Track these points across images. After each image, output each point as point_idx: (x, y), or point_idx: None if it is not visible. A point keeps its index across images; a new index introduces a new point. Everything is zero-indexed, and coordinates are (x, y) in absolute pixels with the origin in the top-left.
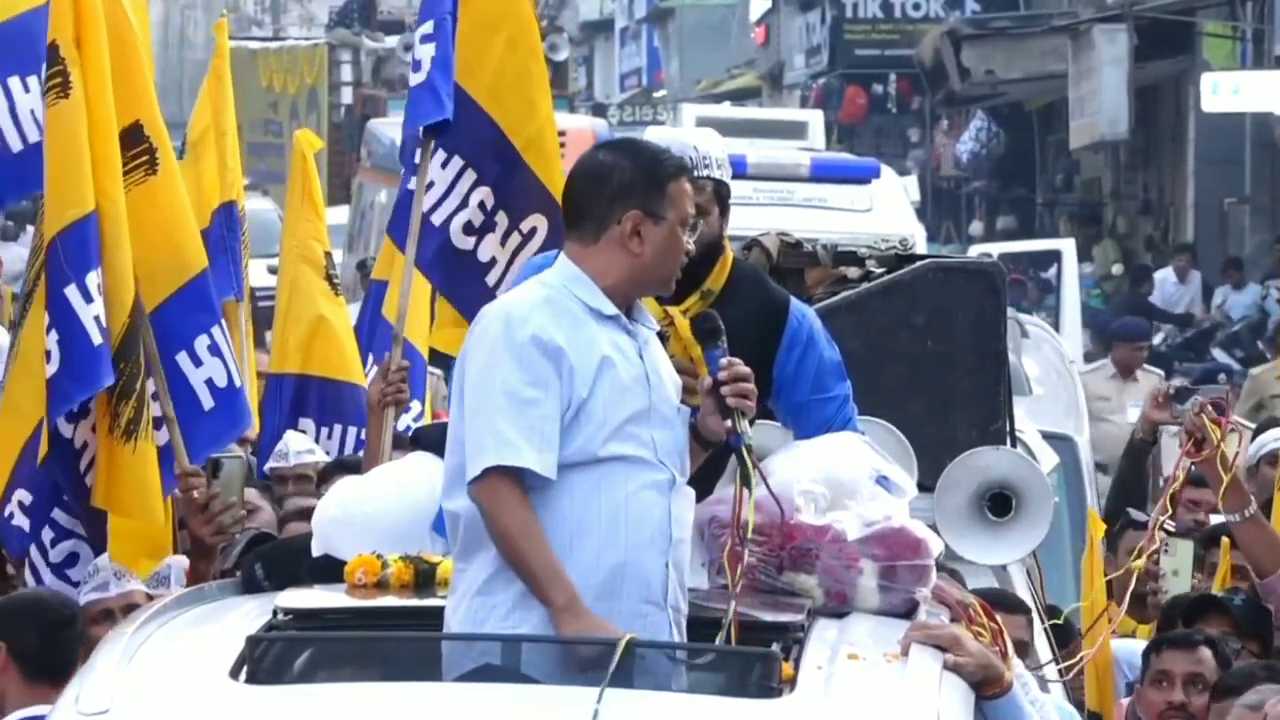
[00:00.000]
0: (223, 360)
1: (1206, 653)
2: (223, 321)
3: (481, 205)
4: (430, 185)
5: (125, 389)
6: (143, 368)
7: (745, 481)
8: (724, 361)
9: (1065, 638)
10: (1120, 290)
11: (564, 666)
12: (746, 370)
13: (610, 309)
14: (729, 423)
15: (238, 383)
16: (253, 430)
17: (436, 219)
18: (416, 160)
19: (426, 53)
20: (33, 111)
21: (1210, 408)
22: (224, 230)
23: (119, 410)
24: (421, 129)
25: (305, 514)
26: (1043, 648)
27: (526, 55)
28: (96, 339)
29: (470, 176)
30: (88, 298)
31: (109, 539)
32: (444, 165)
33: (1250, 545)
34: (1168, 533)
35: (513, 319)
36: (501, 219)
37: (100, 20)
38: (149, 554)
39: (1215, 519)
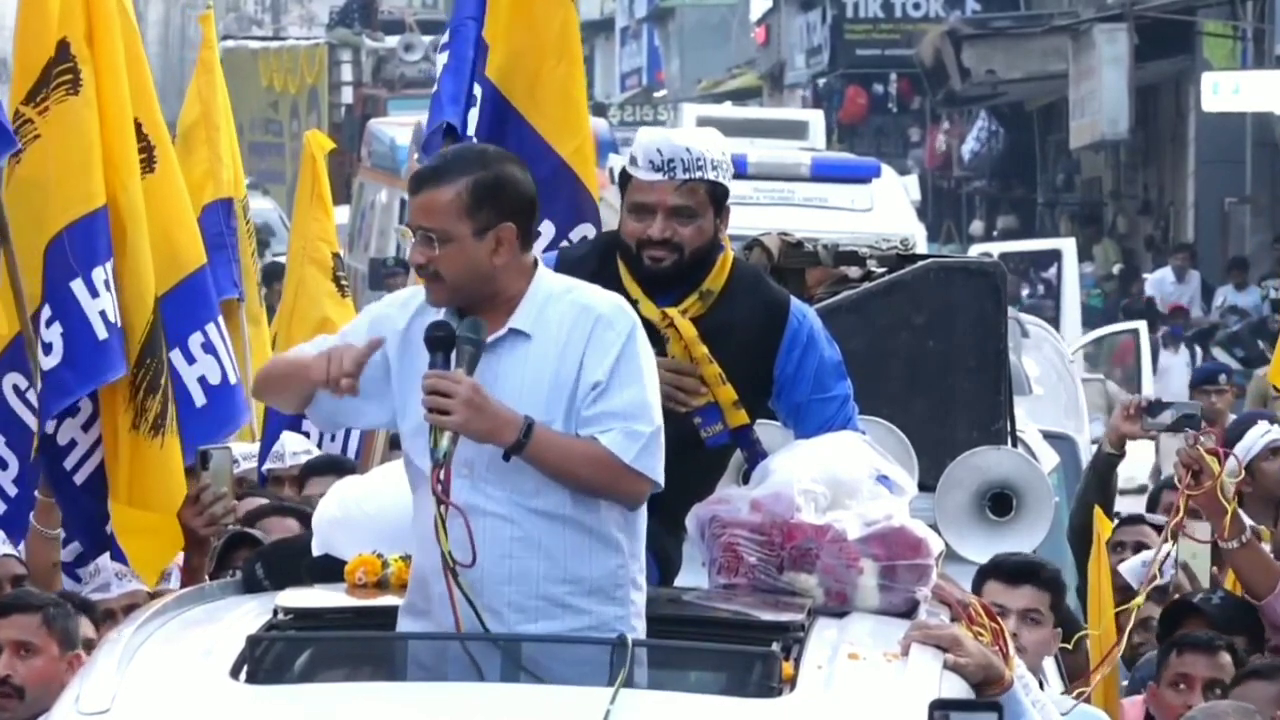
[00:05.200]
0: (216, 357)
1: (1227, 658)
2: (220, 319)
3: None
4: None
5: (151, 384)
6: (166, 363)
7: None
8: (424, 375)
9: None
10: (1115, 291)
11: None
12: (429, 384)
13: (435, 318)
14: (428, 439)
15: (233, 379)
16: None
17: None
18: None
19: (441, 60)
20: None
21: (1203, 438)
22: (222, 227)
23: (145, 406)
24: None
25: None
26: (1050, 668)
27: (570, 64)
28: (101, 333)
29: None
30: (94, 292)
31: (125, 550)
32: None
33: (1245, 570)
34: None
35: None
36: (547, 228)
37: (114, 16)
38: (169, 554)
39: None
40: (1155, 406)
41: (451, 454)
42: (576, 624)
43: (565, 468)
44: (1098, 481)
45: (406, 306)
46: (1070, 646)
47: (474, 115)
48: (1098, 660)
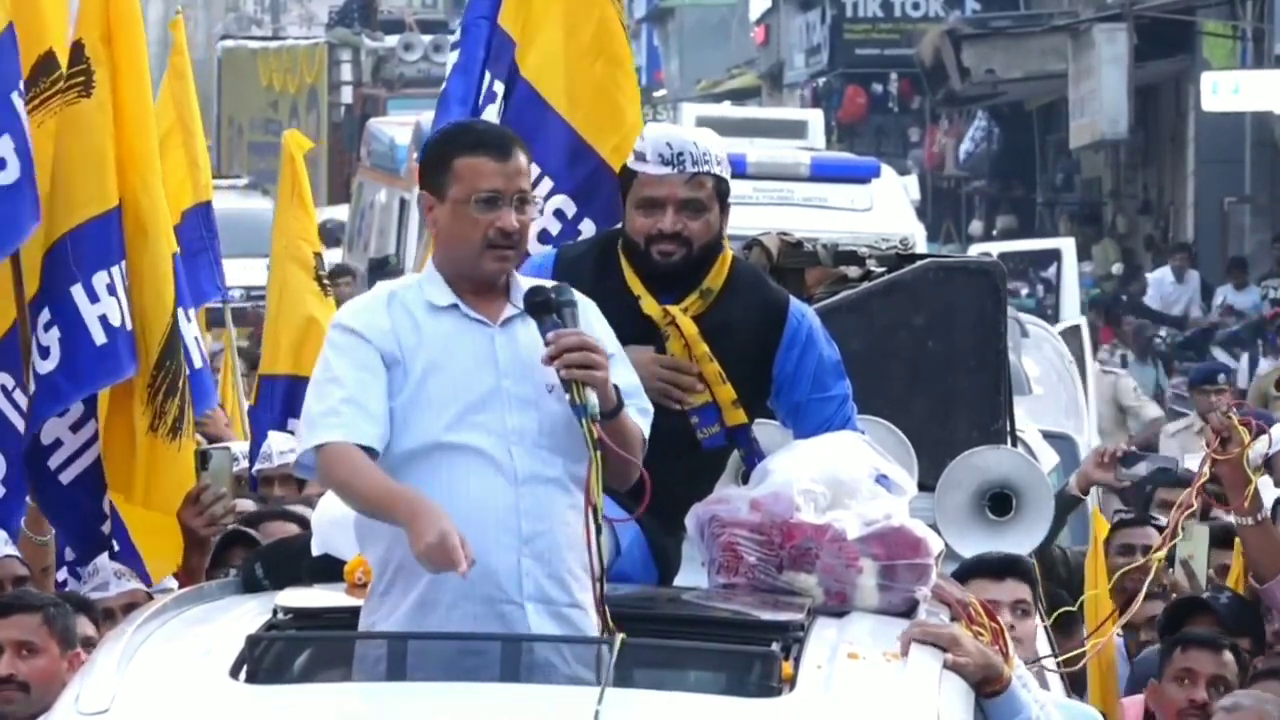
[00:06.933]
0: (198, 343)
1: (1230, 656)
2: (183, 309)
3: (559, 214)
4: None
5: (170, 387)
6: (184, 366)
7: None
8: (550, 335)
9: (1069, 632)
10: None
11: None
12: (576, 340)
13: (444, 300)
14: (569, 395)
15: (197, 364)
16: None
17: None
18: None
19: (451, 60)
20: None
21: (1237, 408)
22: (203, 231)
23: (164, 409)
24: None
25: None
26: (1043, 645)
27: (609, 61)
28: (100, 339)
29: (546, 184)
30: (93, 297)
31: (140, 549)
32: None
33: (1255, 549)
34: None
35: (337, 318)
36: (587, 226)
37: (137, 16)
38: (177, 556)
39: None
40: (1130, 458)
41: (598, 409)
42: (584, 598)
43: (632, 437)
44: (1055, 518)
45: (373, 306)
46: (1073, 608)
47: (492, 110)
48: (1095, 665)
